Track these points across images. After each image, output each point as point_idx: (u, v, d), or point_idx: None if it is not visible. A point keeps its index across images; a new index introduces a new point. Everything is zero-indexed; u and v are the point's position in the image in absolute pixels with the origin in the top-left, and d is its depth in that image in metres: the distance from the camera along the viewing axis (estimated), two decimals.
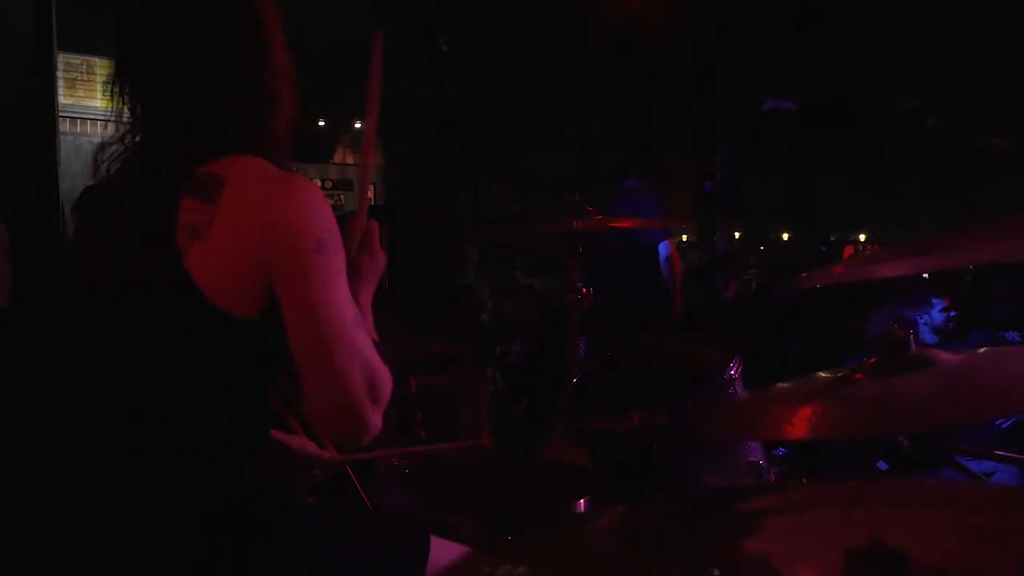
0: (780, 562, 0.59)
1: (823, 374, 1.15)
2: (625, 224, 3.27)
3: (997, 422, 2.98)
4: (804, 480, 1.40)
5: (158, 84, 1.28)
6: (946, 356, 1.03)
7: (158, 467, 1.18)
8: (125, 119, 1.31)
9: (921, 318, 4.17)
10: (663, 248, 4.55)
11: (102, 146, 1.31)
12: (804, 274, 1.11)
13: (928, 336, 4.21)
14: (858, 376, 1.07)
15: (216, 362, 1.19)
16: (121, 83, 1.29)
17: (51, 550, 1.24)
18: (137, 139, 1.30)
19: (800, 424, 1.03)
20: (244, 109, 1.27)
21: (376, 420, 1.21)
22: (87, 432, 1.23)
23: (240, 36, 1.27)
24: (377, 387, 1.21)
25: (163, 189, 1.19)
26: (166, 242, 1.15)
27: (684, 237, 12.33)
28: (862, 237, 14.51)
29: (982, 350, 1.11)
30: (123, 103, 1.30)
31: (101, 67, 6.38)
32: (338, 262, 1.20)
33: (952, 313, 4.18)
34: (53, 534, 1.24)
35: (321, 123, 9.60)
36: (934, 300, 4.22)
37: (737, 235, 11.98)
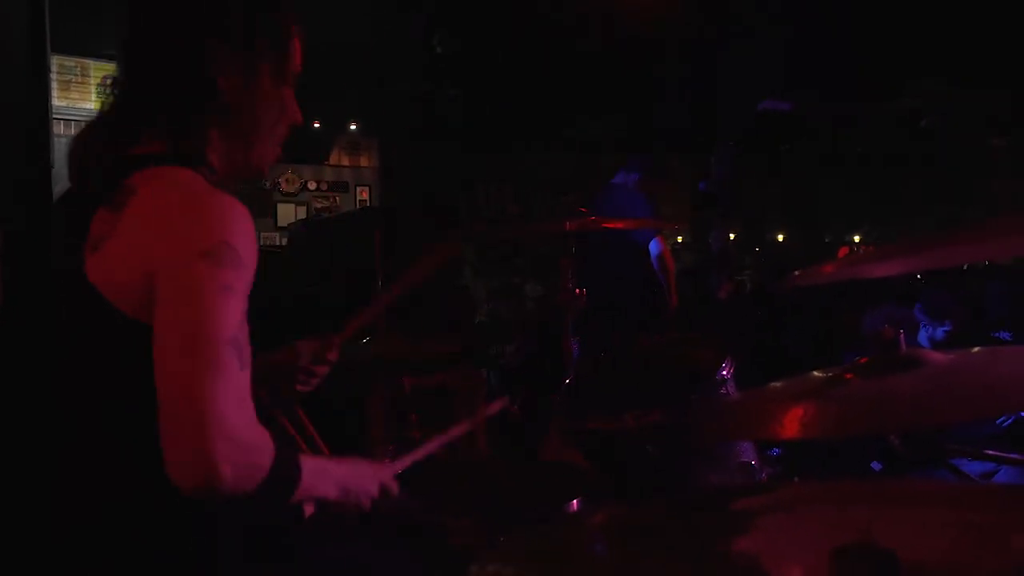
0: (771, 561, 0.60)
1: (815, 374, 1.15)
2: (617, 225, 3.26)
3: (998, 421, 2.97)
4: (796, 480, 1.41)
5: (128, 87, 1.27)
6: (937, 356, 1.03)
7: (132, 471, 1.14)
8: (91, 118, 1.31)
9: (922, 322, 4.17)
10: (654, 246, 4.50)
11: (73, 149, 1.30)
12: (797, 272, 1.11)
13: (922, 340, 4.21)
14: (849, 376, 1.07)
15: (140, 367, 1.08)
16: (112, 83, 1.29)
17: (44, 557, 1.23)
18: (96, 144, 1.28)
19: (792, 424, 1.03)
20: (193, 123, 1.22)
21: (225, 471, 1.00)
22: (68, 433, 1.21)
23: (193, 50, 1.22)
24: (239, 433, 1.03)
25: (87, 199, 1.17)
26: (75, 253, 1.13)
27: (680, 238, 12.34)
28: (857, 238, 14.54)
29: (974, 349, 1.12)
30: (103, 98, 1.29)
31: (95, 69, 6.37)
32: (228, 277, 1.06)
33: (950, 329, 4.17)
34: (46, 541, 1.23)
35: (316, 125, 9.58)
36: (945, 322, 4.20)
37: (732, 236, 11.99)
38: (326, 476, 1.21)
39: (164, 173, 1.16)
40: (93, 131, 1.28)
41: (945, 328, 4.15)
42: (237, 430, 1.02)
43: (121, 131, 1.23)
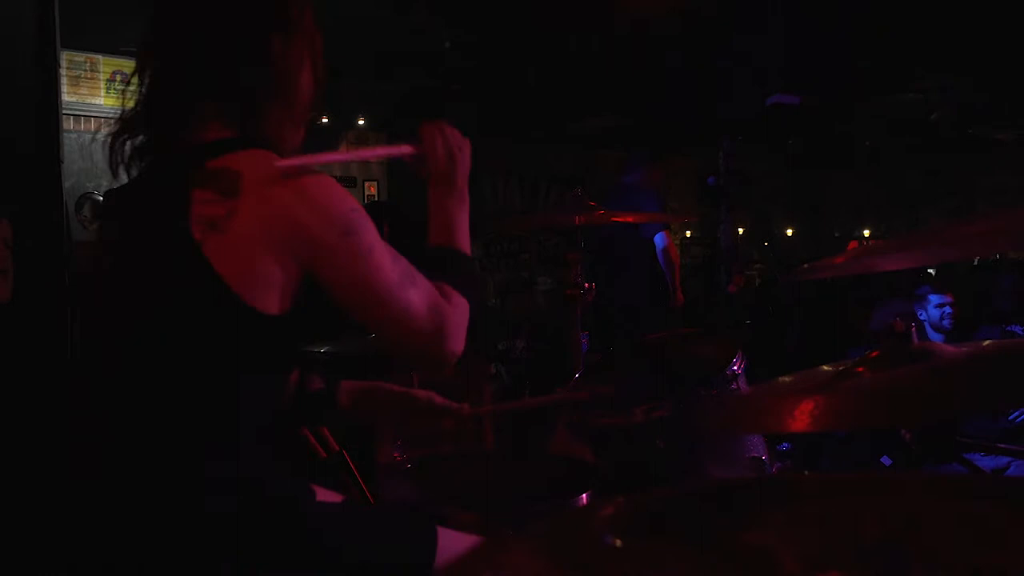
0: (780, 555, 0.59)
1: (826, 367, 1.15)
2: (627, 219, 3.26)
3: (1011, 416, 2.96)
4: (806, 473, 1.40)
5: (176, 78, 1.29)
6: (948, 349, 1.03)
7: (174, 458, 1.18)
8: (132, 114, 1.32)
9: (919, 314, 4.17)
10: (659, 240, 4.50)
11: (113, 144, 1.32)
12: (806, 265, 1.11)
13: (930, 334, 4.20)
14: (860, 369, 1.07)
15: (238, 355, 1.19)
16: (140, 77, 1.31)
17: (62, 541, 1.25)
18: (148, 135, 1.31)
19: (802, 417, 1.03)
20: (261, 108, 1.29)
21: (453, 346, 1.34)
22: (106, 426, 1.23)
23: (261, 39, 1.28)
24: (446, 320, 1.32)
25: (174, 183, 1.20)
26: (182, 234, 1.15)
27: (688, 233, 12.31)
28: (867, 232, 14.50)
29: (985, 343, 1.11)
30: (135, 98, 1.31)
31: (105, 64, 6.37)
32: (368, 236, 1.25)
33: (948, 310, 4.16)
34: (64, 524, 1.24)
35: (324, 120, 9.60)
36: (932, 296, 4.21)
37: (741, 230, 11.96)
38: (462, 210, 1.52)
39: (255, 156, 1.22)
40: (133, 124, 1.32)
41: (934, 305, 4.15)
42: (447, 324, 1.32)
43: (177, 121, 1.28)
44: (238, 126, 1.27)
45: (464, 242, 1.49)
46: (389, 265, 1.27)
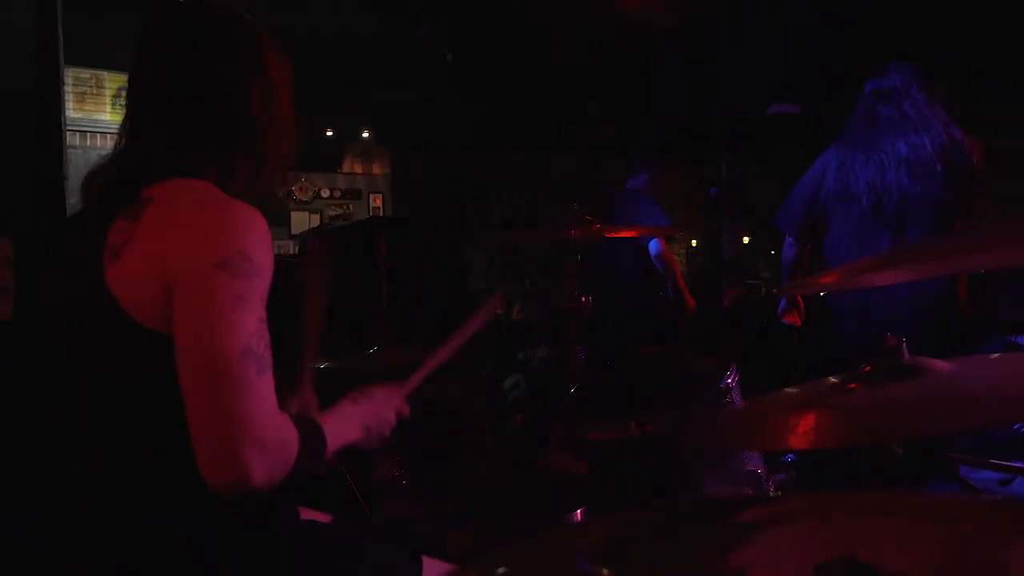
0: (759, 574, 0.59)
1: (821, 381, 1.15)
2: (628, 234, 3.24)
3: (1015, 426, 2.91)
4: (802, 490, 1.40)
5: (143, 107, 1.30)
6: (940, 364, 1.03)
7: (128, 483, 1.16)
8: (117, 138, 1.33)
9: None
10: (653, 246, 4.30)
11: (87, 184, 1.32)
12: (781, 286, 1.11)
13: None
14: (852, 385, 1.06)
15: (144, 374, 1.14)
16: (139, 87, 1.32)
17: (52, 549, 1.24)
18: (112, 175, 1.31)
19: (795, 434, 1.03)
20: (215, 141, 1.27)
21: (257, 473, 1.05)
22: (68, 443, 1.23)
23: (229, 77, 1.27)
24: (265, 436, 1.07)
25: (105, 212, 1.19)
26: (94, 262, 1.14)
27: (693, 243, 12.29)
28: None
29: (979, 357, 1.11)
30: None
31: (110, 80, 6.42)
32: (241, 287, 1.09)
33: None
34: (53, 533, 1.24)
35: (329, 133, 9.63)
36: None
37: (746, 239, 11.93)
38: (348, 425, 1.33)
39: (180, 184, 1.20)
40: (110, 160, 1.31)
41: None
42: (263, 433, 1.07)
43: (135, 156, 1.26)
44: (186, 155, 1.24)
45: (333, 443, 1.27)
46: (241, 329, 1.07)
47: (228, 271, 1.08)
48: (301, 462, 1.12)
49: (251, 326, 1.08)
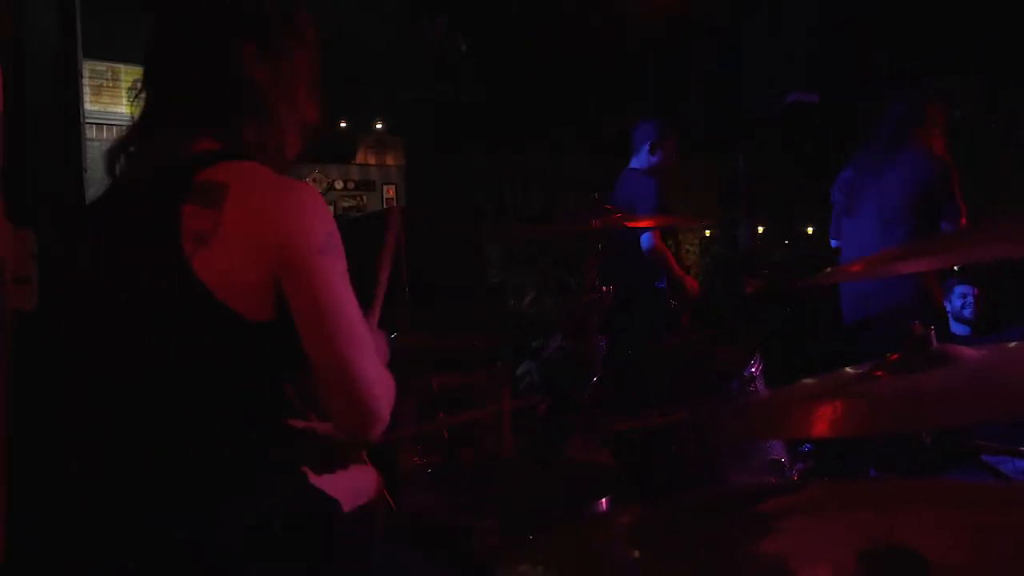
0: (796, 562, 0.59)
1: (846, 370, 1.14)
2: (645, 223, 3.20)
3: None
4: (825, 479, 1.39)
5: (168, 89, 1.31)
6: (968, 352, 1.02)
7: (173, 472, 1.18)
8: (134, 122, 1.34)
9: (954, 304, 4.11)
10: (644, 240, 3.99)
11: (112, 152, 1.33)
12: (828, 270, 1.10)
13: (953, 326, 4.14)
14: (879, 373, 1.06)
15: (232, 363, 1.20)
16: (142, 88, 1.33)
17: (66, 551, 1.25)
18: (141, 145, 1.32)
19: (821, 423, 1.02)
20: (253, 120, 1.30)
21: (386, 413, 1.26)
22: (103, 439, 1.23)
23: (235, 56, 1.29)
24: (386, 382, 1.28)
25: (164, 196, 1.20)
26: (172, 248, 1.16)
27: (708, 232, 12.25)
28: None
29: (1011, 344, 1.09)
30: (138, 107, 1.33)
31: (126, 74, 6.46)
32: (341, 263, 1.24)
33: (969, 299, 4.10)
34: (69, 535, 1.25)
35: (342, 124, 9.64)
36: (957, 288, 4.16)
37: (761, 229, 11.88)
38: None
39: (241, 168, 1.23)
40: (133, 135, 1.34)
41: (968, 299, 4.08)
42: (383, 385, 1.27)
43: (172, 131, 1.29)
44: (224, 140, 1.28)
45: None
46: (352, 299, 1.24)
47: (330, 254, 1.21)
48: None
49: (352, 295, 1.24)
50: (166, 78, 1.32)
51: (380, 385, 1.26)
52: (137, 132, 1.33)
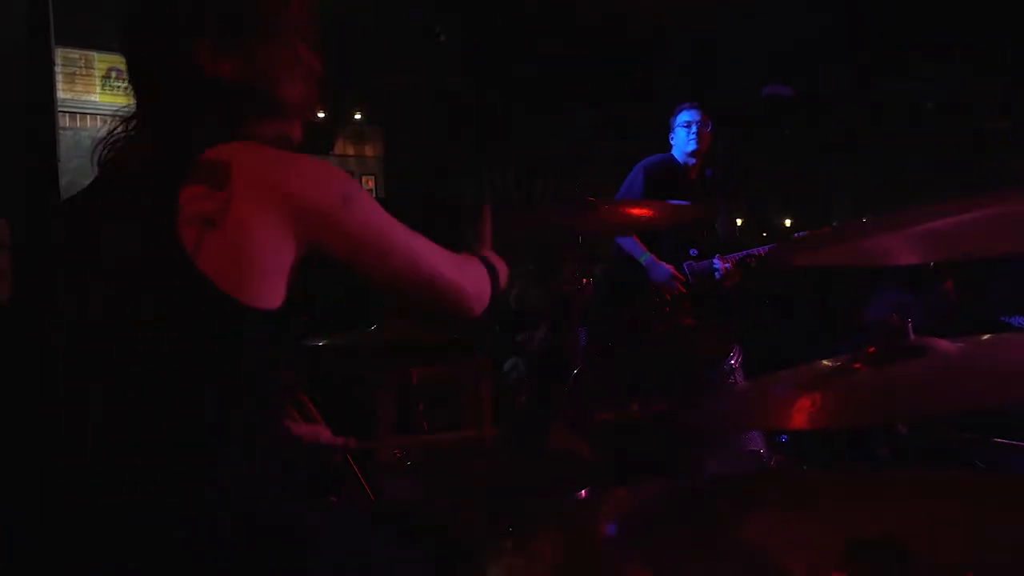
0: (778, 550, 0.60)
1: (824, 362, 1.15)
2: (627, 213, 3.19)
3: None
4: (804, 468, 1.41)
5: (161, 75, 1.28)
6: (944, 344, 1.03)
7: (172, 472, 1.14)
8: (126, 111, 1.31)
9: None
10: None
11: (102, 141, 1.31)
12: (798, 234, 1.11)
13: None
14: (857, 365, 1.06)
15: (231, 358, 1.15)
16: (129, 73, 1.30)
17: (62, 551, 1.23)
18: (135, 132, 1.30)
19: (799, 414, 1.03)
20: (253, 100, 1.29)
21: (483, 302, 1.46)
22: (95, 437, 1.20)
23: (234, 36, 1.26)
24: (466, 266, 1.45)
25: (161, 180, 1.16)
26: (167, 236, 1.10)
27: None
28: (864, 221, 14.47)
29: (985, 337, 1.11)
30: (128, 94, 1.31)
31: (100, 61, 6.35)
32: (366, 198, 1.27)
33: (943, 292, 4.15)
34: (64, 535, 1.23)
35: (321, 115, 9.58)
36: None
37: (739, 221, 11.94)
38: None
39: (240, 147, 1.19)
40: (122, 124, 1.31)
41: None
42: (468, 280, 1.43)
43: (159, 124, 1.28)
44: (222, 123, 1.25)
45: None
46: (393, 223, 1.30)
47: (353, 198, 1.23)
48: (493, 284, 1.53)
49: (390, 215, 1.29)
50: (139, 78, 1.29)
51: (461, 275, 1.40)
52: (124, 121, 1.30)
